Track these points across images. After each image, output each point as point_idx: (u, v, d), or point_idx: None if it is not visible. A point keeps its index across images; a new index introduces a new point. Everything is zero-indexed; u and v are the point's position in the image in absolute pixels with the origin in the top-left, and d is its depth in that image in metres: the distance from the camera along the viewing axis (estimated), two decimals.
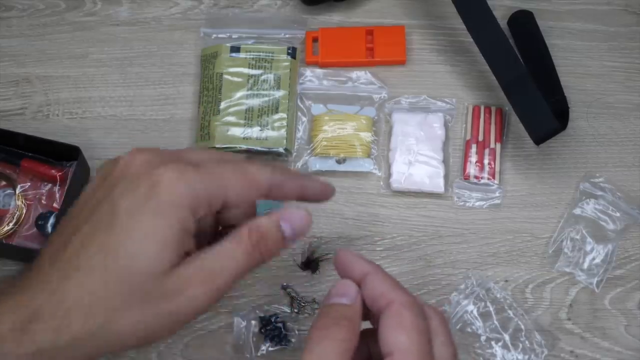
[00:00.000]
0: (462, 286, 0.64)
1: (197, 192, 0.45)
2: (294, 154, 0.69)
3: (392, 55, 0.72)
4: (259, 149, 0.68)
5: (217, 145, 0.67)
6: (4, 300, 0.43)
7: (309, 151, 0.69)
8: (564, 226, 0.66)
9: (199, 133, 0.69)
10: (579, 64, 0.72)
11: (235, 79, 0.70)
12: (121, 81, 0.72)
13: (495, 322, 0.63)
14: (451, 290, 0.64)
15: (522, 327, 0.63)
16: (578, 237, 0.66)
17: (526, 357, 0.62)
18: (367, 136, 0.69)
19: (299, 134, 0.70)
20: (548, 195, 0.68)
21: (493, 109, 0.70)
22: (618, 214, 0.66)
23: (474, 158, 0.68)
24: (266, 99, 0.69)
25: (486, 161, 0.68)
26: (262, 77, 0.70)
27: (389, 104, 0.70)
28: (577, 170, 0.69)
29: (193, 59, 0.73)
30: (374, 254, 0.66)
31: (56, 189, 0.67)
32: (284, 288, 0.64)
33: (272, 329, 0.62)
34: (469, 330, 0.63)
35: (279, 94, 0.69)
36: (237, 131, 0.68)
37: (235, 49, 0.71)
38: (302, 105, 0.71)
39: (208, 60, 0.71)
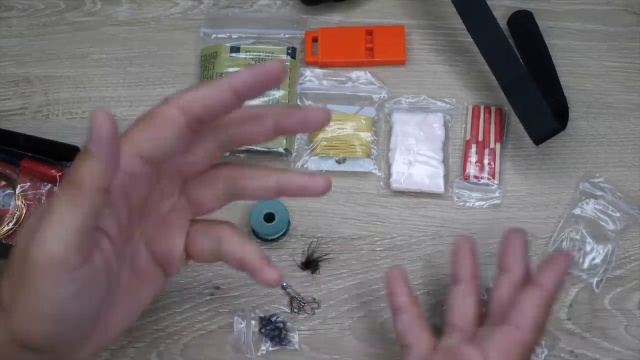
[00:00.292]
0: None
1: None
2: (294, 154, 0.69)
3: (392, 55, 0.72)
4: (258, 149, 0.68)
5: None
6: None
7: (308, 151, 0.69)
8: (563, 226, 0.66)
9: None
10: (579, 64, 0.72)
11: None
12: (121, 81, 0.72)
13: None
14: None
15: None
16: (578, 237, 0.66)
17: None
18: (366, 136, 0.69)
19: (299, 134, 0.70)
20: (548, 195, 0.68)
21: (493, 109, 0.70)
22: (618, 214, 0.66)
23: (473, 158, 0.68)
24: (266, 99, 0.69)
25: (486, 161, 0.68)
26: None
27: (389, 104, 0.71)
28: (577, 170, 0.69)
29: (193, 59, 0.73)
30: (374, 254, 0.66)
31: (56, 189, 0.67)
32: (284, 288, 0.64)
33: (272, 329, 0.62)
34: None
35: (279, 94, 0.69)
36: None
37: (235, 49, 0.71)
38: (302, 105, 0.71)
39: (208, 60, 0.71)
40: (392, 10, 0.75)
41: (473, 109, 0.70)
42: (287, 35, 0.73)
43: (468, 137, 0.69)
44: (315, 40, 0.73)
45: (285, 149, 0.68)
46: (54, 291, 0.39)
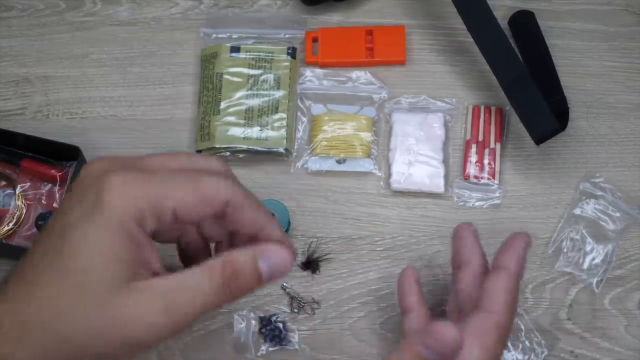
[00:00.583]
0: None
1: (141, 201, 0.43)
2: (294, 154, 0.69)
3: (392, 55, 0.72)
4: (259, 149, 0.68)
5: (217, 145, 0.67)
6: None
7: (309, 151, 0.69)
8: (563, 226, 0.66)
9: (199, 133, 0.69)
10: (579, 64, 0.72)
11: (235, 79, 0.70)
12: (121, 81, 0.72)
13: None
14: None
15: (522, 327, 0.63)
16: (578, 237, 0.66)
17: (526, 357, 0.62)
18: (367, 136, 0.69)
19: (299, 134, 0.70)
20: (548, 195, 0.68)
21: (493, 109, 0.70)
22: (618, 214, 0.66)
23: (473, 158, 0.68)
24: (266, 99, 0.69)
25: (486, 161, 0.68)
26: (262, 77, 0.70)
27: (389, 104, 0.70)
28: (577, 171, 0.69)
29: (193, 59, 0.73)
30: (373, 254, 0.66)
31: (56, 189, 0.67)
32: (284, 288, 0.64)
33: (272, 329, 0.62)
34: None
35: (279, 94, 0.69)
36: (237, 131, 0.68)
37: (235, 49, 0.71)
38: (302, 105, 0.71)
39: (208, 60, 0.71)
40: (392, 10, 0.75)
41: (473, 109, 0.70)
42: (287, 35, 0.73)
43: (468, 137, 0.69)
44: (315, 40, 0.73)
45: (286, 149, 0.68)
46: None
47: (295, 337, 0.63)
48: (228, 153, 0.68)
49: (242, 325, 0.63)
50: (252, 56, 0.70)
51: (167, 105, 0.71)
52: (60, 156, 0.66)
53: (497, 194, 0.67)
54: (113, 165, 0.44)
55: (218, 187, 0.45)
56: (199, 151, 0.68)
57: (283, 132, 0.68)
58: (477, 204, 0.67)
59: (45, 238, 0.44)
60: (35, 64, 0.73)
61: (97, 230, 0.42)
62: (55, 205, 0.66)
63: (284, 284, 0.64)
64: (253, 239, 0.47)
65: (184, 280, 0.43)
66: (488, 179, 0.68)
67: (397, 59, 0.72)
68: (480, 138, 0.69)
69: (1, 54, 0.73)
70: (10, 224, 0.65)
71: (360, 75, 0.71)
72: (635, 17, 0.74)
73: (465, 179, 0.68)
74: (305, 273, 0.65)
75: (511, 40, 0.69)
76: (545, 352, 0.62)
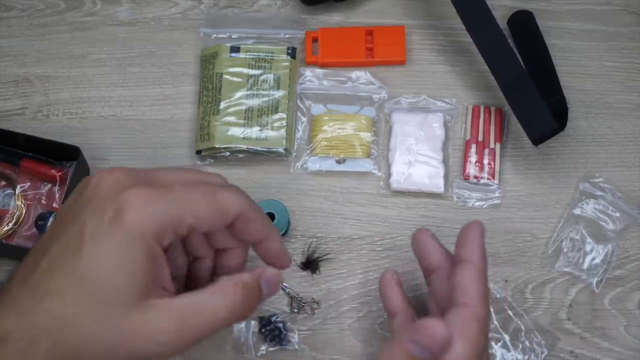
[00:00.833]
0: None
1: (163, 219, 0.44)
2: (294, 154, 0.69)
3: (392, 55, 0.72)
4: (258, 149, 0.68)
5: (216, 145, 0.67)
6: None
7: (308, 151, 0.69)
8: (563, 226, 0.66)
9: (199, 133, 0.69)
10: (579, 64, 0.72)
11: (235, 79, 0.70)
12: (121, 81, 0.72)
13: (495, 322, 0.63)
14: None
15: (522, 327, 0.63)
16: (578, 237, 0.66)
17: (526, 357, 0.62)
18: (366, 136, 0.69)
19: (299, 134, 0.70)
20: (548, 196, 0.68)
21: (493, 109, 0.70)
22: (618, 214, 0.66)
23: (473, 158, 0.68)
24: (266, 99, 0.69)
25: (486, 161, 0.68)
26: (262, 77, 0.70)
27: (389, 104, 0.71)
28: (577, 171, 0.69)
29: (193, 59, 0.73)
30: (373, 254, 0.66)
31: (56, 189, 0.67)
32: (284, 288, 0.64)
33: (272, 329, 0.62)
34: None
35: (279, 94, 0.69)
36: (236, 131, 0.68)
37: (235, 49, 0.71)
38: (301, 105, 0.71)
39: (208, 60, 0.71)
40: (392, 10, 0.75)
41: (473, 109, 0.70)
42: (287, 35, 0.73)
43: (468, 137, 0.69)
44: (315, 40, 0.73)
45: (286, 149, 0.68)
46: None
47: (295, 337, 0.63)
48: (228, 153, 0.68)
49: (242, 325, 0.63)
50: (252, 56, 0.70)
51: (167, 105, 0.71)
52: (60, 156, 0.66)
53: (496, 194, 0.67)
54: (128, 178, 0.45)
55: (232, 200, 0.47)
56: (199, 151, 0.68)
57: (283, 132, 0.68)
58: (476, 204, 0.67)
59: (55, 246, 0.43)
60: (35, 64, 0.73)
61: (117, 246, 0.42)
62: (55, 205, 0.66)
63: (284, 284, 0.64)
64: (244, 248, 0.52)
65: (198, 301, 0.45)
66: (488, 179, 0.68)
67: (397, 59, 0.72)
68: (480, 138, 0.69)
69: (1, 54, 0.73)
70: (10, 224, 0.65)
71: (360, 75, 0.71)
72: (635, 17, 0.74)
73: (465, 179, 0.68)
74: (305, 273, 0.65)
75: (510, 41, 0.69)
76: (545, 352, 0.62)
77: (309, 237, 0.66)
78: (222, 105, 0.69)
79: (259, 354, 0.62)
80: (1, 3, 0.75)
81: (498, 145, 0.69)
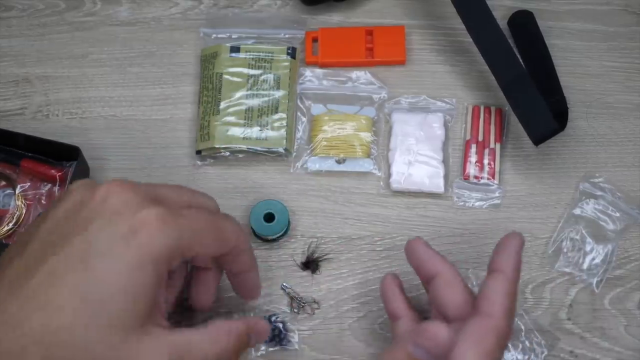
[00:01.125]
0: None
1: (176, 245, 0.44)
2: (294, 154, 0.69)
3: (392, 55, 0.72)
4: (258, 149, 0.68)
5: (216, 145, 0.67)
6: None
7: (308, 151, 0.69)
8: (563, 226, 0.66)
9: (199, 133, 0.69)
10: (579, 64, 0.72)
11: (235, 79, 0.70)
12: (121, 81, 0.72)
13: None
14: None
15: (522, 327, 0.63)
16: (578, 237, 0.66)
17: (526, 357, 0.62)
18: (366, 136, 0.69)
19: (299, 134, 0.70)
20: (548, 196, 0.68)
21: (493, 109, 0.70)
22: (618, 214, 0.66)
23: (473, 158, 0.68)
24: (266, 99, 0.69)
25: (486, 161, 0.68)
26: (262, 77, 0.70)
27: (389, 104, 0.71)
28: (577, 171, 0.69)
29: (193, 59, 0.73)
30: (373, 254, 0.66)
31: (56, 189, 0.67)
32: (284, 288, 0.64)
33: (272, 329, 0.62)
34: None
35: (279, 94, 0.69)
36: (236, 131, 0.68)
37: (235, 49, 0.71)
38: (301, 105, 0.71)
39: (208, 60, 0.71)
40: (392, 10, 0.75)
41: (473, 109, 0.70)
42: (287, 35, 0.73)
43: (468, 137, 0.69)
44: (315, 40, 0.73)
45: (285, 149, 0.68)
46: None
47: (295, 337, 0.63)
48: (228, 153, 0.68)
49: None
50: (252, 56, 0.70)
51: (167, 105, 0.71)
52: (60, 156, 0.66)
53: (496, 194, 0.67)
54: (137, 196, 0.45)
55: (232, 232, 0.50)
56: (199, 151, 0.68)
57: (283, 132, 0.68)
58: (476, 204, 0.67)
59: (56, 258, 0.42)
60: (35, 64, 0.73)
61: (128, 267, 0.42)
62: None
63: (284, 284, 0.64)
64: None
65: (191, 340, 0.46)
66: (488, 179, 0.68)
67: (397, 59, 0.72)
68: (480, 138, 0.69)
69: (1, 54, 0.73)
70: (10, 224, 0.65)
71: (360, 75, 0.71)
72: (635, 17, 0.74)
73: (465, 179, 0.68)
74: (305, 273, 0.65)
75: (510, 41, 0.69)
76: (545, 352, 0.62)
77: (309, 237, 0.66)
78: (222, 105, 0.69)
79: (258, 354, 0.62)
80: (1, 3, 0.75)
81: (498, 145, 0.69)
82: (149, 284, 0.43)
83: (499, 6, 0.73)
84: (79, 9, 0.75)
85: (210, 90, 0.70)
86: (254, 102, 0.69)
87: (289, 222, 0.66)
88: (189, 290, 0.57)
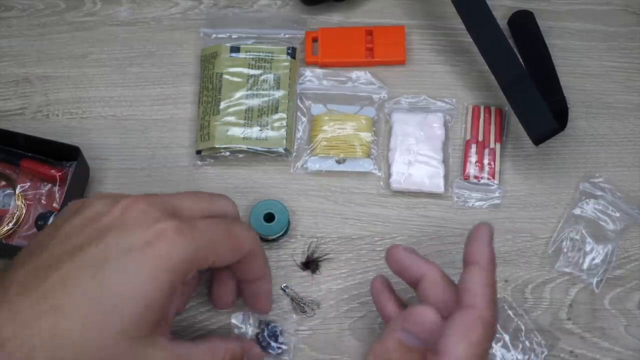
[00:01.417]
0: None
1: (192, 256, 0.45)
2: (294, 154, 0.69)
3: (392, 55, 0.72)
4: (258, 149, 0.68)
5: (216, 145, 0.67)
6: None
7: (308, 151, 0.69)
8: (563, 226, 0.66)
9: (199, 133, 0.69)
10: (579, 64, 0.72)
11: (235, 79, 0.70)
12: (121, 81, 0.72)
13: None
14: None
15: (522, 327, 0.63)
16: (578, 237, 0.66)
17: (526, 357, 0.62)
18: (366, 136, 0.69)
19: (299, 134, 0.70)
20: (548, 196, 0.68)
21: (493, 109, 0.70)
22: (618, 214, 0.66)
23: (473, 158, 0.68)
24: (266, 99, 0.69)
25: (486, 161, 0.68)
26: (262, 77, 0.70)
27: (389, 104, 0.71)
28: (577, 171, 0.69)
29: (193, 59, 0.73)
30: (373, 254, 0.66)
31: (56, 189, 0.67)
32: (284, 289, 0.64)
33: (269, 335, 0.61)
34: None
35: (279, 94, 0.69)
36: (236, 131, 0.68)
37: (235, 49, 0.71)
38: (301, 105, 0.71)
39: (208, 60, 0.71)
40: (392, 10, 0.75)
41: (473, 109, 0.70)
42: (287, 35, 0.73)
43: (468, 137, 0.69)
44: (315, 40, 0.73)
45: (285, 149, 0.68)
46: None
47: (291, 343, 0.62)
48: (228, 153, 0.68)
49: (242, 329, 0.62)
50: (252, 56, 0.70)
51: (167, 105, 0.71)
52: (60, 156, 0.66)
53: (496, 194, 0.67)
54: (154, 208, 0.45)
55: (245, 238, 0.51)
56: (199, 151, 0.68)
57: (283, 132, 0.68)
58: (476, 204, 0.67)
59: (70, 264, 0.43)
60: (35, 64, 0.73)
61: (144, 276, 0.42)
62: (55, 205, 0.66)
63: (284, 285, 0.64)
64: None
65: (192, 353, 0.47)
66: (488, 179, 0.68)
67: (397, 59, 0.72)
68: (480, 138, 0.69)
69: (1, 54, 0.73)
70: (10, 224, 0.65)
71: (360, 75, 0.71)
72: (635, 17, 0.74)
73: (465, 179, 0.68)
74: (305, 273, 0.65)
75: (510, 41, 0.69)
76: (545, 352, 0.62)
77: (309, 237, 0.66)
78: (222, 105, 0.69)
79: None
80: (1, 3, 0.75)
81: (498, 145, 0.69)
82: (162, 294, 0.43)
83: (499, 6, 0.73)
84: (79, 9, 0.75)
85: (210, 90, 0.70)
86: (254, 102, 0.69)
87: (289, 222, 0.66)
88: (210, 290, 0.58)
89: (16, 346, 0.40)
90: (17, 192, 0.66)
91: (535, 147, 0.67)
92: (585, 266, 0.65)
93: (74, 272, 0.42)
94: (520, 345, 0.62)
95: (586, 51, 0.73)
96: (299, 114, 0.70)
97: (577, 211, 0.67)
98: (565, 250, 0.65)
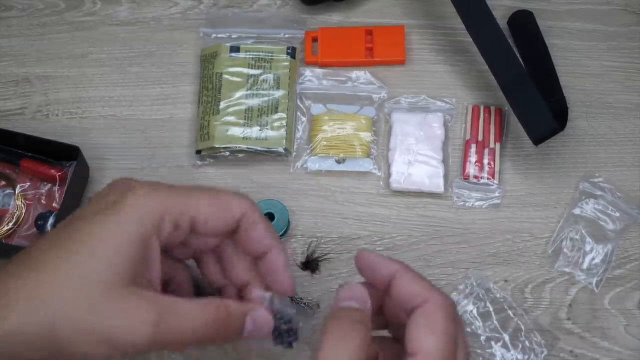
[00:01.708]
0: (462, 286, 0.64)
1: (162, 207, 0.44)
2: (294, 154, 0.69)
3: (392, 55, 0.72)
4: (258, 149, 0.68)
5: (216, 145, 0.67)
6: None
7: (308, 151, 0.69)
8: (563, 226, 0.66)
9: (199, 133, 0.69)
10: (579, 64, 0.72)
11: (235, 79, 0.70)
12: (121, 81, 0.72)
13: (495, 322, 0.63)
14: (451, 290, 0.64)
15: (522, 327, 0.63)
16: (578, 237, 0.66)
17: (526, 357, 0.62)
18: (366, 136, 0.69)
19: (299, 134, 0.70)
20: (548, 195, 0.68)
21: (493, 109, 0.70)
22: (618, 214, 0.66)
23: (473, 158, 0.68)
24: (266, 99, 0.69)
25: (486, 161, 0.68)
26: (262, 77, 0.70)
27: (389, 104, 0.71)
28: (577, 171, 0.69)
29: (193, 59, 0.73)
30: None
31: (56, 189, 0.67)
32: None
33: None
34: (468, 330, 0.63)
35: (279, 94, 0.69)
36: (236, 131, 0.68)
37: (235, 49, 0.71)
38: (301, 105, 0.71)
39: (208, 60, 0.71)
40: (392, 10, 0.75)
41: (473, 109, 0.70)
42: (287, 35, 0.73)
43: (468, 137, 0.69)
44: (315, 40, 0.73)
45: (286, 149, 0.68)
46: None
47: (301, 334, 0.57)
48: (228, 153, 0.68)
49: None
50: (252, 56, 0.70)
51: (167, 105, 0.71)
52: (60, 156, 0.66)
53: (496, 194, 0.67)
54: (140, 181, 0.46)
55: (237, 201, 0.48)
56: (199, 151, 0.68)
57: (283, 132, 0.68)
58: (476, 204, 0.67)
59: (60, 228, 0.44)
60: (35, 64, 0.73)
61: (111, 228, 0.43)
62: (55, 205, 0.66)
63: None
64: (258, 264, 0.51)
65: (180, 304, 0.44)
66: (488, 179, 0.68)
67: (397, 59, 0.72)
68: (480, 138, 0.69)
69: (1, 54, 0.73)
70: (10, 224, 0.65)
71: (360, 75, 0.71)
72: (635, 17, 0.74)
73: (465, 179, 0.68)
74: (305, 273, 0.65)
75: (510, 41, 0.69)
76: (545, 352, 0.62)
77: (309, 237, 0.66)
78: (222, 105, 0.69)
79: None
80: (1, 3, 0.75)
81: (498, 145, 0.69)
82: (132, 242, 0.43)
83: (499, 6, 0.73)
84: (79, 9, 0.75)
85: (210, 90, 0.70)
86: (254, 102, 0.69)
87: (289, 222, 0.66)
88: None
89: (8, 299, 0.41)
90: (17, 192, 0.66)
91: (535, 147, 0.67)
92: (585, 266, 0.65)
93: (58, 235, 0.44)
94: (520, 345, 0.62)
95: (586, 51, 0.73)
96: (299, 114, 0.70)
97: (577, 211, 0.67)
98: (565, 250, 0.65)
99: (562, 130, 0.66)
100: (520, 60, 0.67)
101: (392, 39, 0.72)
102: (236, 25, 0.73)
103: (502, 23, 0.71)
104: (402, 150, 0.68)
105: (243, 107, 0.69)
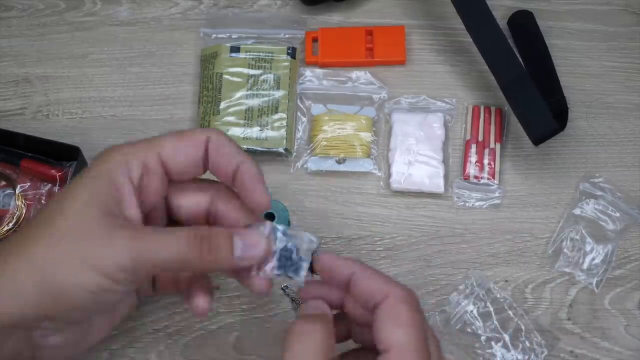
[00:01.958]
0: (462, 286, 0.64)
1: (129, 155, 0.46)
2: (294, 154, 0.69)
3: (392, 55, 0.72)
4: (258, 149, 0.68)
5: None
6: None
7: (308, 151, 0.69)
8: (563, 226, 0.66)
9: None
10: (579, 64, 0.72)
11: (235, 79, 0.70)
12: (121, 81, 0.72)
13: (495, 322, 0.63)
14: (451, 290, 0.64)
15: (522, 327, 0.63)
16: (578, 237, 0.66)
17: (526, 357, 0.62)
18: (366, 136, 0.69)
19: (299, 134, 0.70)
20: (548, 195, 0.68)
21: (493, 109, 0.70)
22: (618, 214, 0.66)
23: (473, 158, 0.68)
24: (266, 99, 0.69)
25: (486, 161, 0.68)
26: (262, 77, 0.70)
27: (389, 104, 0.71)
28: (577, 171, 0.69)
29: (193, 59, 0.73)
30: (373, 254, 0.66)
31: (56, 189, 0.67)
32: (284, 289, 0.64)
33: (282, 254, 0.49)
34: (468, 330, 0.63)
35: (279, 94, 0.69)
36: (236, 131, 0.68)
37: (235, 49, 0.71)
38: (301, 105, 0.71)
39: (208, 60, 0.71)
40: (392, 10, 0.75)
41: (473, 109, 0.70)
42: (287, 35, 0.73)
43: (468, 137, 0.69)
44: (315, 40, 0.73)
45: (286, 149, 0.68)
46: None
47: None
48: None
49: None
50: (252, 56, 0.70)
51: (167, 105, 0.71)
52: (60, 156, 0.66)
53: (496, 194, 0.67)
54: None
55: (197, 129, 0.50)
56: None
57: (283, 132, 0.68)
58: (476, 204, 0.67)
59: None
60: (35, 64, 0.73)
61: (81, 182, 0.45)
62: None
63: (284, 285, 0.64)
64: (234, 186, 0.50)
65: (160, 228, 0.47)
66: (488, 179, 0.68)
67: (397, 59, 0.72)
68: (480, 138, 0.69)
69: (1, 54, 0.73)
70: (10, 224, 0.65)
71: (360, 75, 0.71)
72: (635, 17, 0.74)
73: (465, 179, 0.68)
74: (305, 273, 0.65)
75: (510, 41, 0.69)
76: (545, 352, 0.62)
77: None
78: (222, 105, 0.69)
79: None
80: (1, 3, 0.75)
81: (498, 145, 0.69)
82: (100, 190, 0.45)
83: (499, 6, 0.73)
84: (79, 9, 0.75)
85: (210, 90, 0.70)
86: (254, 102, 0.69)
87: (289, 222, 0.66)
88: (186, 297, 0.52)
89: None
90: (17, 192, 0.66)
91: (535, 147, 0.67)
92: (585, 266, 0.65)
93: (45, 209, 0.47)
94: (520, 345, 0.62)
95: (586, 51, 0.73)
96: (299, 114, 0.70)
97: (577, 211, 0.67)
98: (565, 250, 0.65)
99: (562, 130, 0.66)
100: (520, 60, 0.67)
101: (392, 39, 0.73)
102: (236, 25, 0.73)
103: (502, 23, 0.71)
104: (402, 150, 0.68)
105: (243, 107, 0.69)
